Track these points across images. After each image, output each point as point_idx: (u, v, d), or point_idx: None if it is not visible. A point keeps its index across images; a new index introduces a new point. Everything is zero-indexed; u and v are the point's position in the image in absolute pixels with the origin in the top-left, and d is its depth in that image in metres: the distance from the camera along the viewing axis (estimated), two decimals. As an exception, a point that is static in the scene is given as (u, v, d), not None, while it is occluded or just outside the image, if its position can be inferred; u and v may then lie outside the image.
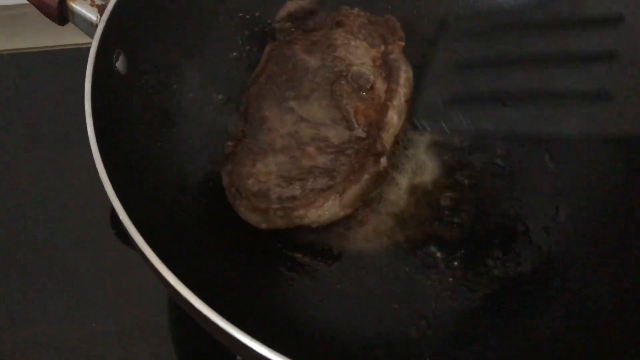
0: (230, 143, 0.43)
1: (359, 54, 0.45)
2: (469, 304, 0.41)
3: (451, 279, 0.42)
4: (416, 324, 0.40)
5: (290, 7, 0.48)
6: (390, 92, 0.43)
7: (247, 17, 0.50)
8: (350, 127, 0.43)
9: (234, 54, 0.49)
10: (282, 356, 0.27)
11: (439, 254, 0.43)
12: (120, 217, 0.31)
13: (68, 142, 0.53)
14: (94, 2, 0.40)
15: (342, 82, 0.44)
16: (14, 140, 0.53)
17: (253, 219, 0.40)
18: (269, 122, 0.43)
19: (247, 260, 0.40)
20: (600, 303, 0.39)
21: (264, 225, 0.39)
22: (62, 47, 0.57)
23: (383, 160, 0.41)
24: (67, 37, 0.55)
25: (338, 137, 0.42)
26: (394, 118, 0.42)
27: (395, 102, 0.43)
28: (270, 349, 0.27)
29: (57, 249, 0.47)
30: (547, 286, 0.41)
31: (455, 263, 0.42)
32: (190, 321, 0.43)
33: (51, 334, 0.43)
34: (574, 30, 0.39)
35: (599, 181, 0.44)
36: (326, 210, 0.39)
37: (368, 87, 0.44)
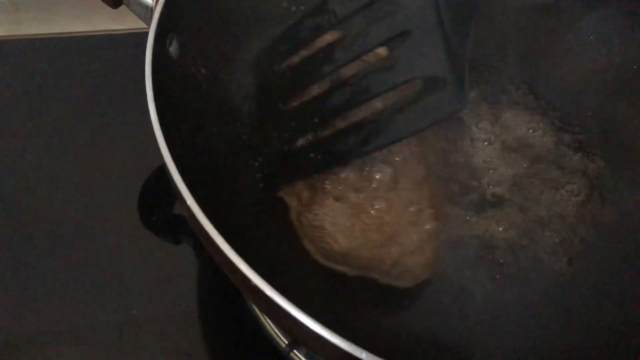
0: None
1: None
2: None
3: (498, 276, 0.41)
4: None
5: None
6: None
7: (293, 8, 0.49)
8: None
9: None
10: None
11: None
12: (187, 201, 0.30)
13: (100, 132, 0.52)
14: (151, -15, 0.40)
15: None
16: (52, 123, 0.53)
17: None
18: None
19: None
20: None
21: None
22: (111, 32, 0.56)
23: None
24: (111, 22, 0.55)
25: None
26: None
27: None
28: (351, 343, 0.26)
29: (89, 238, 0.47)
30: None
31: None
32: (217, 311, 0.44)
33: (77, 323, 0.43)
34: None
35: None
36: None
37: None
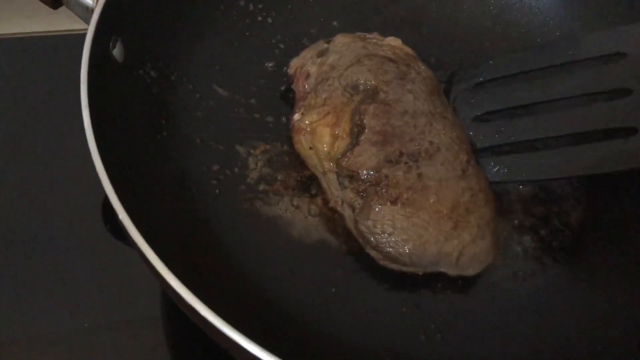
0: None
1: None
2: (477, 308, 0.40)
3: (460, 281, 0.40)
4: (425, 328, 0.38)
5: None
6: None
7: (251, 7, 0.48)
8: None
9: (235, 44, 0.47)
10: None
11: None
12: (119, 215, 0.29)
13: (57, 134, 0.51)
14: (90, -15, 0.38)
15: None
16: (11, 125, 0.51)
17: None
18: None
19: (249, 260, 0.38)
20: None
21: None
22: (53, 34, 0.54)
23: None
24: (56, 23, 0.53)
25: None
26: None
27: None
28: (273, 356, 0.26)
29: (48, 245, 0.45)
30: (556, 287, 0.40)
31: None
32: (182, 315, 0.43)
33: (43, 330, 0.42)
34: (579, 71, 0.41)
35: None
36: None
37: None
